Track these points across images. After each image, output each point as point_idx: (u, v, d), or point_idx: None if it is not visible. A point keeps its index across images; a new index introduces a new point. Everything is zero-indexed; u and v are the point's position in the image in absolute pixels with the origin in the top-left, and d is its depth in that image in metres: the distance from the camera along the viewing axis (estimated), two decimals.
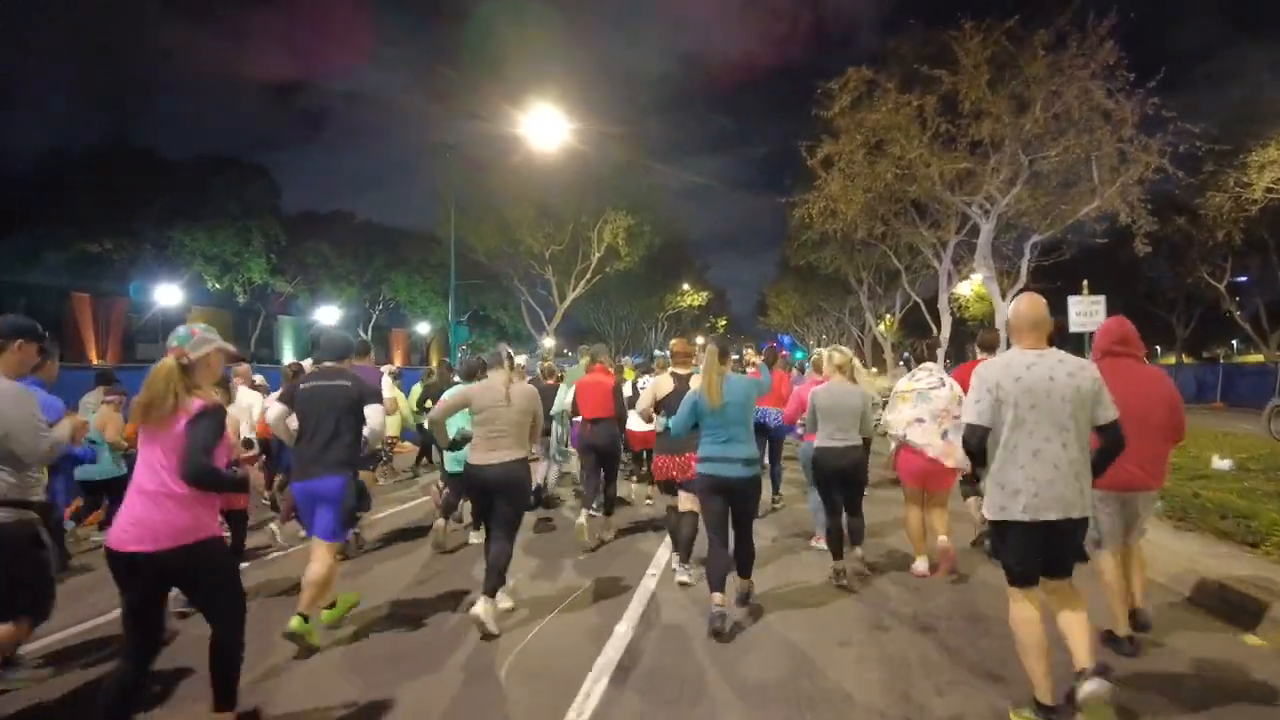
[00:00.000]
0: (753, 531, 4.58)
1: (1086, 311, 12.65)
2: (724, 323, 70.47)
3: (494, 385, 4.48)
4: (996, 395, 2.99)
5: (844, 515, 5.21)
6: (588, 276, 26.60)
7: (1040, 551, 3.01)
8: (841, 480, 5.11)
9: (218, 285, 34.21)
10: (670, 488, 5.38)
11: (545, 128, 18.20)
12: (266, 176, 32.19)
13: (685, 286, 47.94)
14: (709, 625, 4.15)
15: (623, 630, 4.30)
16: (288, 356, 47.69)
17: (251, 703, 3.25)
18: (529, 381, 8.42)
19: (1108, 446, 3.06)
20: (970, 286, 36.14)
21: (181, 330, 2.94)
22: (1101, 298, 12.63)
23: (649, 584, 5.24)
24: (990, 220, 14.29)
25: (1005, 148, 12.81)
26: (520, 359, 11.90)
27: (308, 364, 8.53)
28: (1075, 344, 15.22)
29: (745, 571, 4.60)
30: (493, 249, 25.58)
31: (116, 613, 3.07)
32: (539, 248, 24.98)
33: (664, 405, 5.24)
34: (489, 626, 4.12)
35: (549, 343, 56.85)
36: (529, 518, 7.35)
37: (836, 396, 5.16)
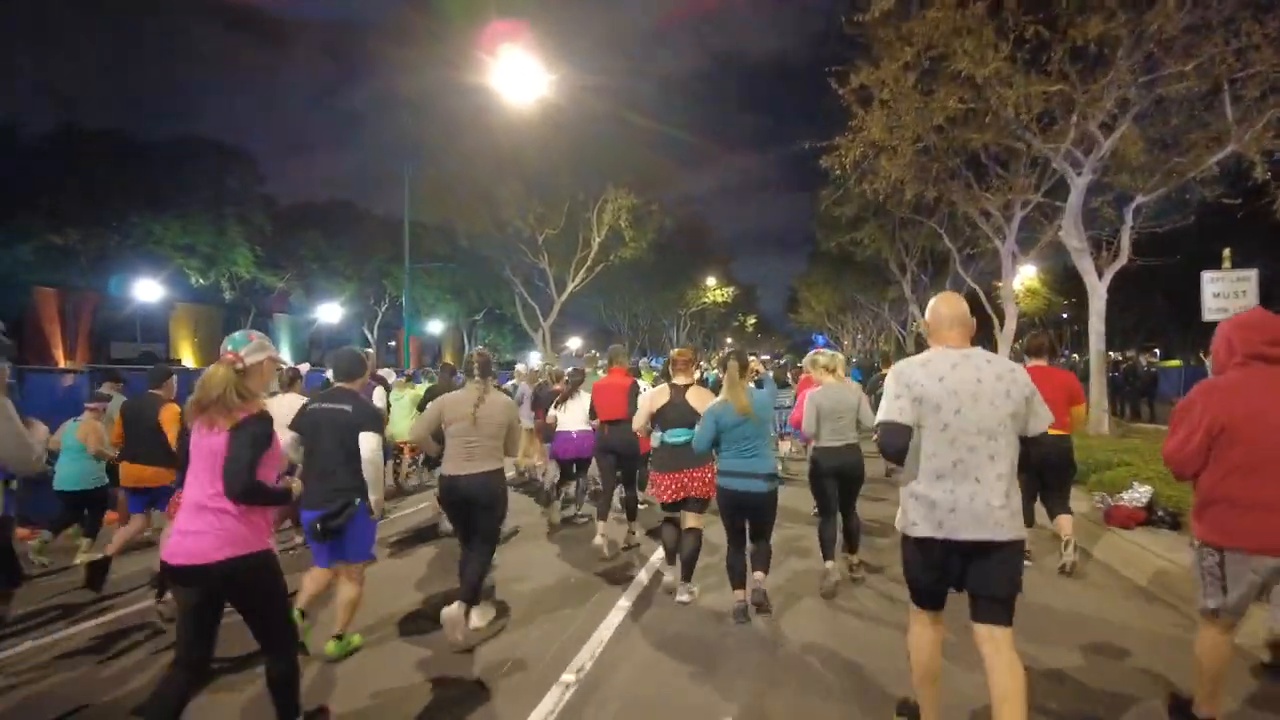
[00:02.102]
0: (770, 538, 4.69)
1: (1230, 292, 8.99)
2: (753, 321, 66.88)
3: (466, 396, 4.41)
4: (917, 394, 2.68)
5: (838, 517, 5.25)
6: (588, 264, 23.35)
7: (951, 575, 2.70)
8: (840, 479, 5.10)
9: (202, 280, 31.88)
10: (674, 506, 5.02)
11: (524, 83, 15.00)
12: (246, 160, 29.61)
13: (710, 281, 44.31)
14: (734, 616, 4.40)
15: (604, 635, 4.34)
16: (285, 359, 45.37)
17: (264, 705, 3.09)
18: (540, 386, 9.07)
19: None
20: (1020, 280, 32.13)
21: (238, 335, 2.93)
22: (1252, 273, 8.95)
23: (635, 589, 5.19)
24: (1085, 172, 10.71)
25: (1117, 65, 9.23)
26: (534, 361, 12.31)
27: (305, 368, 8.55)
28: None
29: (761, 564, 4.62)
30: (476, 231, 22.39)
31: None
32: (529, 230, 21.77)
33: (660, 418, 5.02)
34: (457, 636, 4.08)
35: (575, 343, 54.28)
36: (539, 522, 7.56)
37: (833, 398, 5.12)
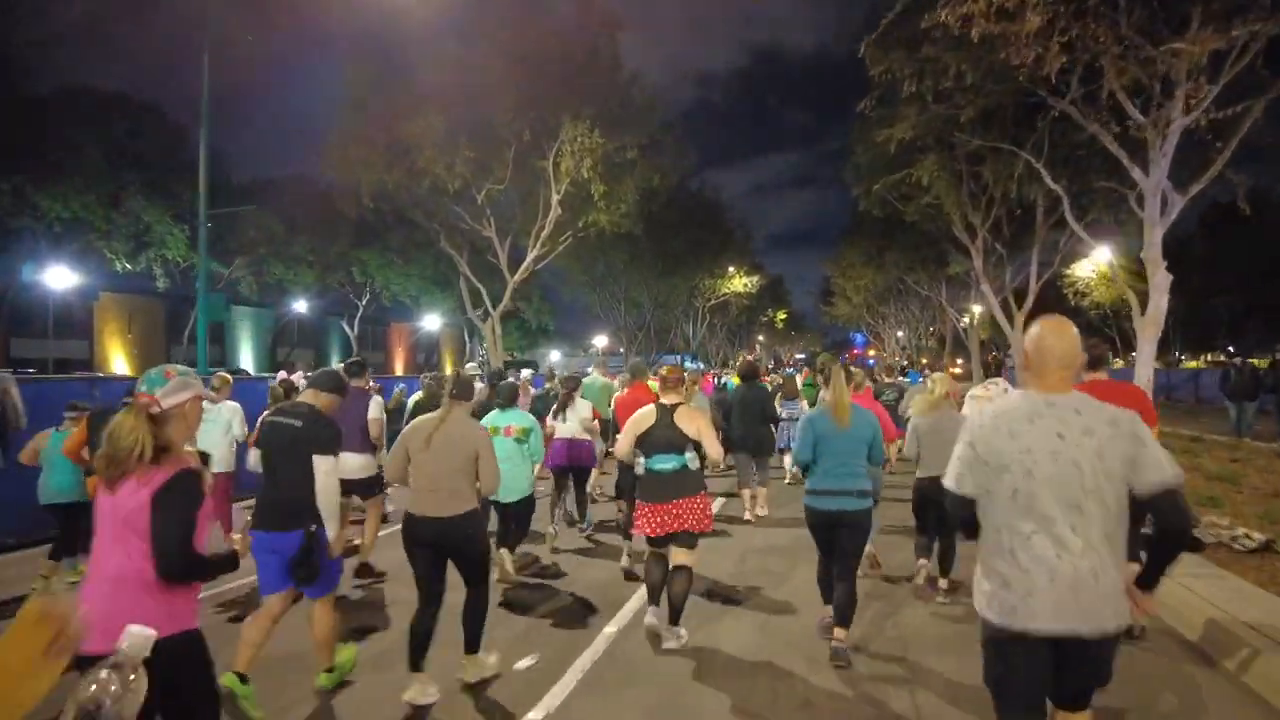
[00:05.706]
0: (856, 574, 4.33)
1: None
2: (783, 315, 60.54)
3: (424, 424, 3.98)
4: (979, 454, 2.24)
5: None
6: (547, 231, 17.70)
7: (1039, 675, 2.19)
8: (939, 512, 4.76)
9: (129, 265, 27.14)
10: (659, 541, 4.52)
11: None
12: (157, 114, 24.58)
13: (729, 270, 38.25)
14: (831, 660, 4.08)
15: (583, 666, 4.22)
16: (244, 358, 40.34)
17: None
18: (536, 396, 8.42)
19: (1164, 528, 2.14)
20: (1093, 265, 25.43)
21: (153, 372, 2.47)
22: None
23: (622, 618, 5.03)
24: None
25: None
26: (525, 372, 12.07)
27: (299, 377, 8.99)
28: None
29: (843, 619, 4.18)
30: (390, 187, 16.77)
31: None
32: (456, 184, 16.13)
33: (644, 442, 4.57)
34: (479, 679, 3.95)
35: (600, 341, 48.13)
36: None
37: (940, 428, 4.99)
